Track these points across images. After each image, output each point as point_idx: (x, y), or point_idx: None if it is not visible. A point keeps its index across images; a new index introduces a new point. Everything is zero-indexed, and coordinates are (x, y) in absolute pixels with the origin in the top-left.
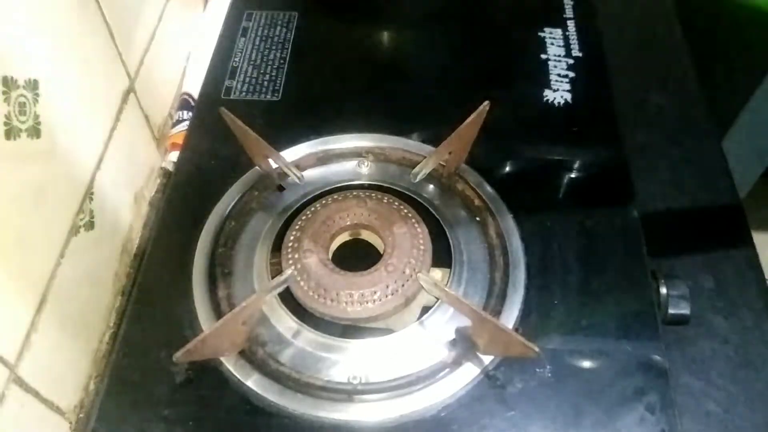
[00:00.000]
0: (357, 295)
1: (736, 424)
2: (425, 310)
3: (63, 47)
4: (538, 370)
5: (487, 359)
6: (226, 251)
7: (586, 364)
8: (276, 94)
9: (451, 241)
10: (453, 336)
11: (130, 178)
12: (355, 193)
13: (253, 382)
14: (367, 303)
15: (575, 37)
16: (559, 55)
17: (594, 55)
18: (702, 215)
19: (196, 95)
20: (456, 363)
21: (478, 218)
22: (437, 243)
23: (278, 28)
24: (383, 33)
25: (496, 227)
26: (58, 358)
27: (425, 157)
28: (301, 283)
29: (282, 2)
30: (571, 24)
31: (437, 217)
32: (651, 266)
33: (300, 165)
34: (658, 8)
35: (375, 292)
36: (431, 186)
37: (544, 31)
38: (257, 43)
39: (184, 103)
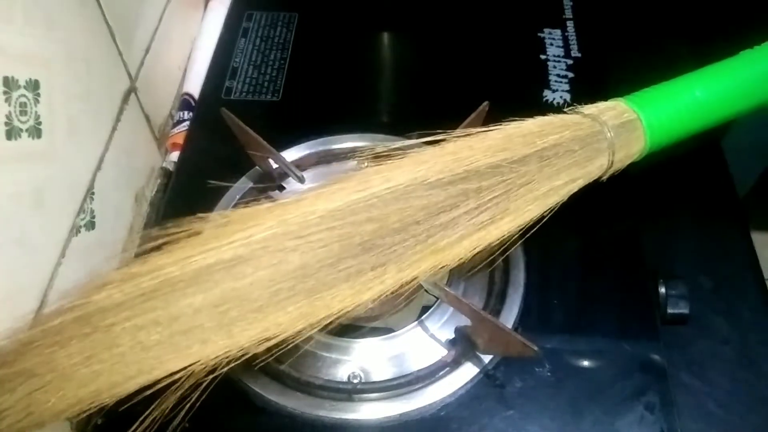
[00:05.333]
0: None
1: (736, 423)
2: (425, 309)
3: (64, 47)
4: (537, 369)
5: (486, 358)
6: None
7: (586, 363)
8: (276, 95)
9: None
10: (453, 335)
11: (130, 178)
12: None
13: (253, 381)
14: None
15: (574, 37)
16: (559, 56)
17: (593, 55)
18: (701, 215)
19: (196, 95)
20: (456, 362)
21: None
22: None
23: (279, 28)
24: (383, 33)
25: None
26: None
27: None
28: None
29: (282, 3)
30: (570, 24)
31: None
32: (650, 266)
33: (300, 165)
34: (658, 8)
35: None
36: None
37: (543, 32)
38: (258, 43)
39: (184, 104)
